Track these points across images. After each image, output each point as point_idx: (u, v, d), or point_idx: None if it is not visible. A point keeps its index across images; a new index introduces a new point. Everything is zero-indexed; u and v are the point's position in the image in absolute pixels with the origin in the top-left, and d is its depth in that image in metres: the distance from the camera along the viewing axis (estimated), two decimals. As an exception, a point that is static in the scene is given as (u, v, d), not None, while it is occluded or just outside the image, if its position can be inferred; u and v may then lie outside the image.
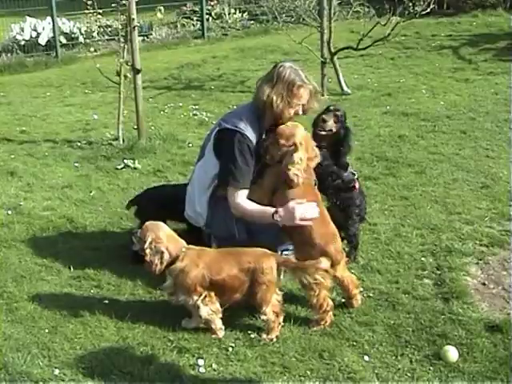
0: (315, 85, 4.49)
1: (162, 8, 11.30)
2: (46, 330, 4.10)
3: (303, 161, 4.21)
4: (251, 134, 4.39)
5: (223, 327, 4.02)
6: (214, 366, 3.75)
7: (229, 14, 16.26)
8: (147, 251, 3.95)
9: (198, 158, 4.78)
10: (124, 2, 7.40)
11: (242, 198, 4.41)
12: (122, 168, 6.95)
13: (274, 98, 4.32)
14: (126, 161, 7.06)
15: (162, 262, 3.95)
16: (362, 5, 11.78)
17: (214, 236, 4.72)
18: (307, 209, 4.15)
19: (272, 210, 4.25)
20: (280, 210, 4.20)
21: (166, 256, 3.96)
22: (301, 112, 4.47)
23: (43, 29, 13.78)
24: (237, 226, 4.54)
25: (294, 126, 4.33)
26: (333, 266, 4.09)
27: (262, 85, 4.43)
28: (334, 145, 4.82)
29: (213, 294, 3.98)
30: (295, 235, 4.27)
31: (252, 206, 4.37)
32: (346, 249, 4.70)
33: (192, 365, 3.75)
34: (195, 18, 15.92)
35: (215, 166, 4.50)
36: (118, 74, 7.72)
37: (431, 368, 3.67)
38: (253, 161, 4.41)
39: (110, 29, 14.07)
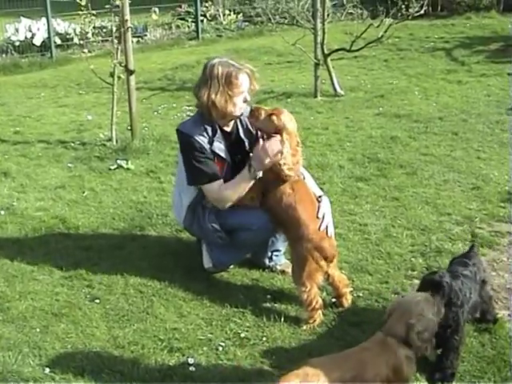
0: (251, 67, 4.45)
1: (157, 9, 11.30)
2: (38, 330, 4.11)
3: (289, 153, 4.20)
4: (198, 133, 4.37)
5: None
6: (204, 364, 3.76)
7: (223, 15, 16.32)
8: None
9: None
10: (118, 3, 7.43)
11: (218, 188, 4.40)
12: (115, 168, 6.97)
13: (213, 96, 4.30)
14: (119, 161, 7.07)
15: None
16: (355, 6, 11.82)
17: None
18: (271, 144, 4.16)
19: (245, 168, 4.30)
20: (251, 161, 4.27)
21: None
22: (248, 98, 4.41)
23: (38, 29, 13.83)
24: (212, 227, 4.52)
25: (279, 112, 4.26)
26: (326, 261, 4.13)
27: (200, 90, 4.39)
28: None
29: None
30: (290, 230, 4.26)
31: (229, 185, 4.38)
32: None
33: (182, 364, 3.76)
34: (190, 20, 15.97)
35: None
36: (112, 75, 7.75)
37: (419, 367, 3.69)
38: (207, 154, 4.37)
39: (104, 30, 14.11)
